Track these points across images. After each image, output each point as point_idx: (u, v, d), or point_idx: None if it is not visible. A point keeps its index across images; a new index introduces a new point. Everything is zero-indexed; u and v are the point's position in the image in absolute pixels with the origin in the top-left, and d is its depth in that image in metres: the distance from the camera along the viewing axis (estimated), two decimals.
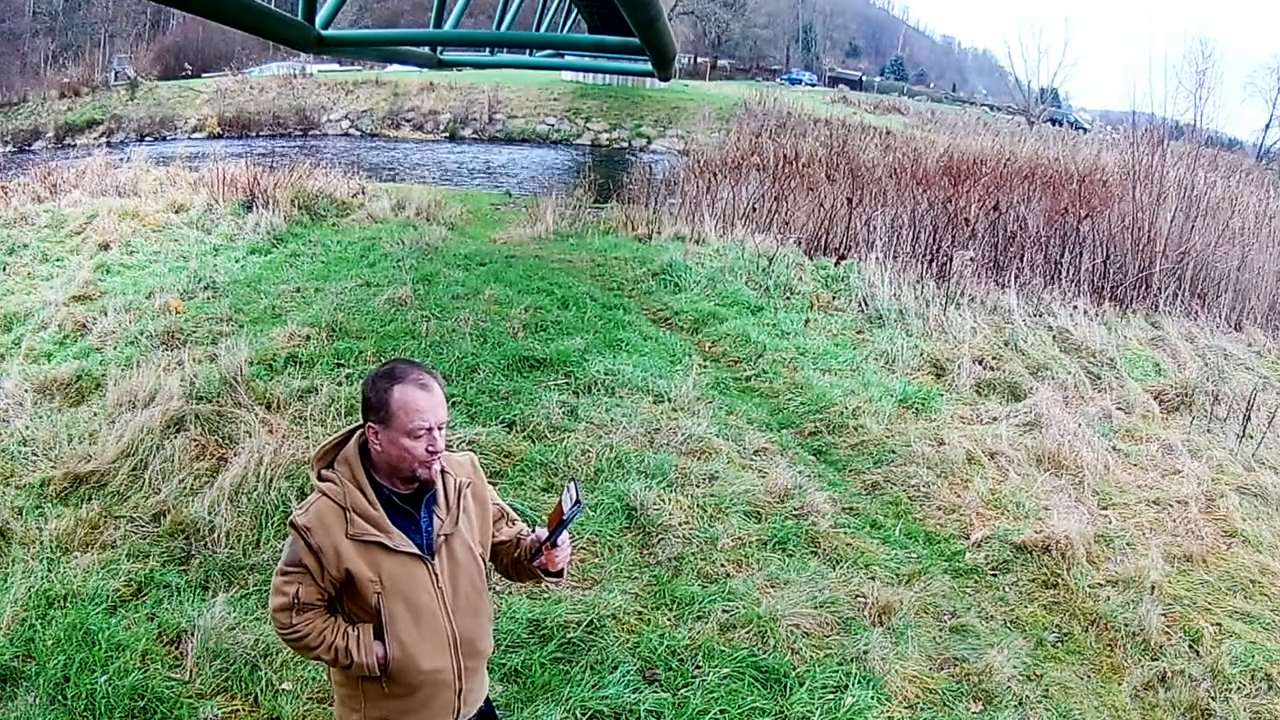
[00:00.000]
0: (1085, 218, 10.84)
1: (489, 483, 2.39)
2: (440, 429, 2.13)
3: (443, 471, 2.20)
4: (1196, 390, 7.42)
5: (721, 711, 3.52)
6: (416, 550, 2.15)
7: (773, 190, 13.92)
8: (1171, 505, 5.50)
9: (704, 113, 34.10)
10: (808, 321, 8.60)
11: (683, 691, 3.62)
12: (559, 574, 2.33)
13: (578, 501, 2.19)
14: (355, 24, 44.09)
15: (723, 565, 4.56)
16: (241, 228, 11.68)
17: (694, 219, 12.51)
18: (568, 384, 6.50)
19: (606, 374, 6.61)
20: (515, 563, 2.37)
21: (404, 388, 2.10)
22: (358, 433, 2.19)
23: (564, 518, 2.20)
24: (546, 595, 4.18)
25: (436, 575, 2.17)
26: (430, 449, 2.11)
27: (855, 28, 74.24)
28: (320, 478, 2.17)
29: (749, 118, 31.57)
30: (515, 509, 2.53)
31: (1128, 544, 5.02)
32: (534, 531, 2.35)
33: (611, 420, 5.96)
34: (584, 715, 3.47)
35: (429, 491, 2.18)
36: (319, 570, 2.11)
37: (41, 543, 4.46)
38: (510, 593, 4.12)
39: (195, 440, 5.35)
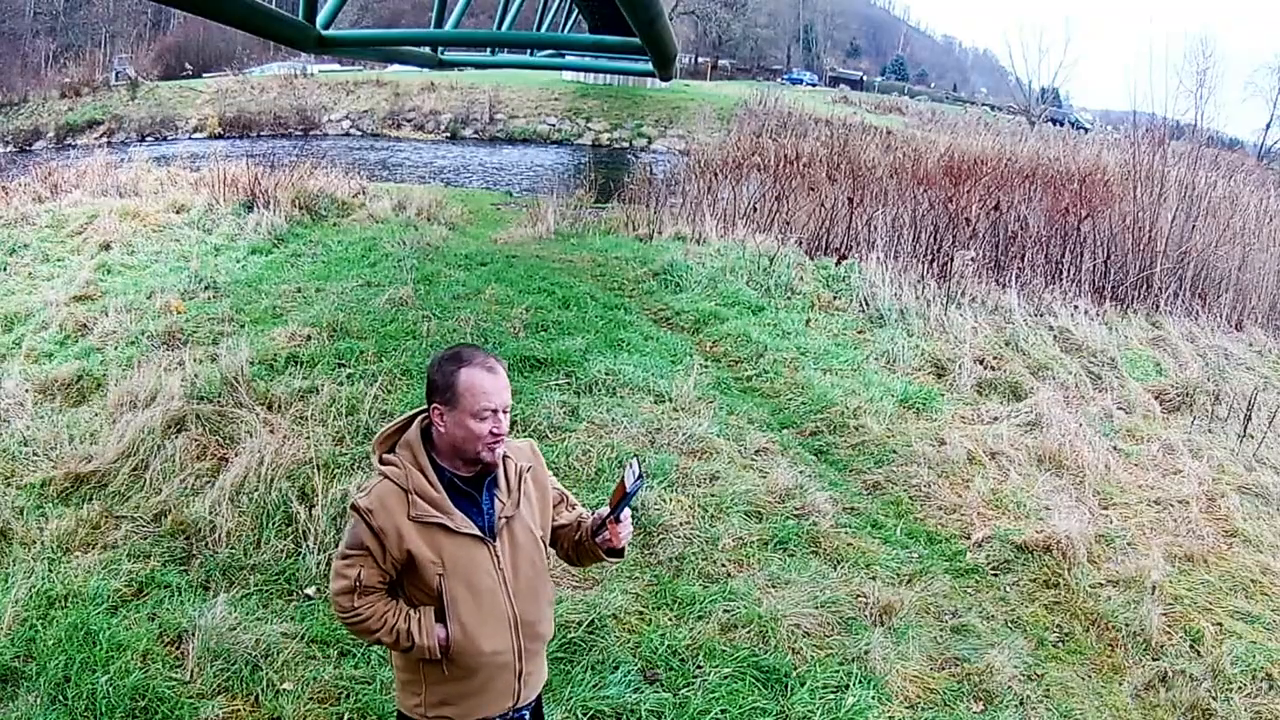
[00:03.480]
0: (1086, 217, 10.83)
1: None
2: (505, 412, 2.17)
3: (504, 456, 2.24)
4: (1197, 390, 7.41)
5: (722, 711, 3.52)
6: (478, 532, 2.18)
7: (773, 190, 13.89)
8: (1172, 505, 5.50)
9: (705, 113, 34.07)
10: (809, 321, 8.60)
11: (684, 691, 3.62)
12: (620, 552, 2.35)
13: (640, 476, 2.22)
14: (356, 24, 44.12)
15: (724, 565, 4.56)
16: (242, 228, 11.68)
17: (695, 219, 12.50)
18: (569, 384, 6.50)
19: (607, 374, 6.61)
20: (576, 545, 2.40)
21: (471, 370, 2.15)
22: (419, 417, 2.23)
23: (628, 492, 2.23)
24: None
25: (497, 557, 2.20)
26: (495, 431, 2.15)
27: (856, 28, 74.25)
28: (382, 461, 2.21)
29: (750, 118, 31.52)
30: None
31: (1129, 544, 5.02)
32: (594, 514, 2.38)
33: (612, 420, 5.96)
34: (585, 715, 3.47)
35: (490, 474, 2.22)
36: (380, 552, 2.14)
37: (42, 543, 4.46)
38: None
39: (196, 440, 5.35)
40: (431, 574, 2.14)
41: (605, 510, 2.31)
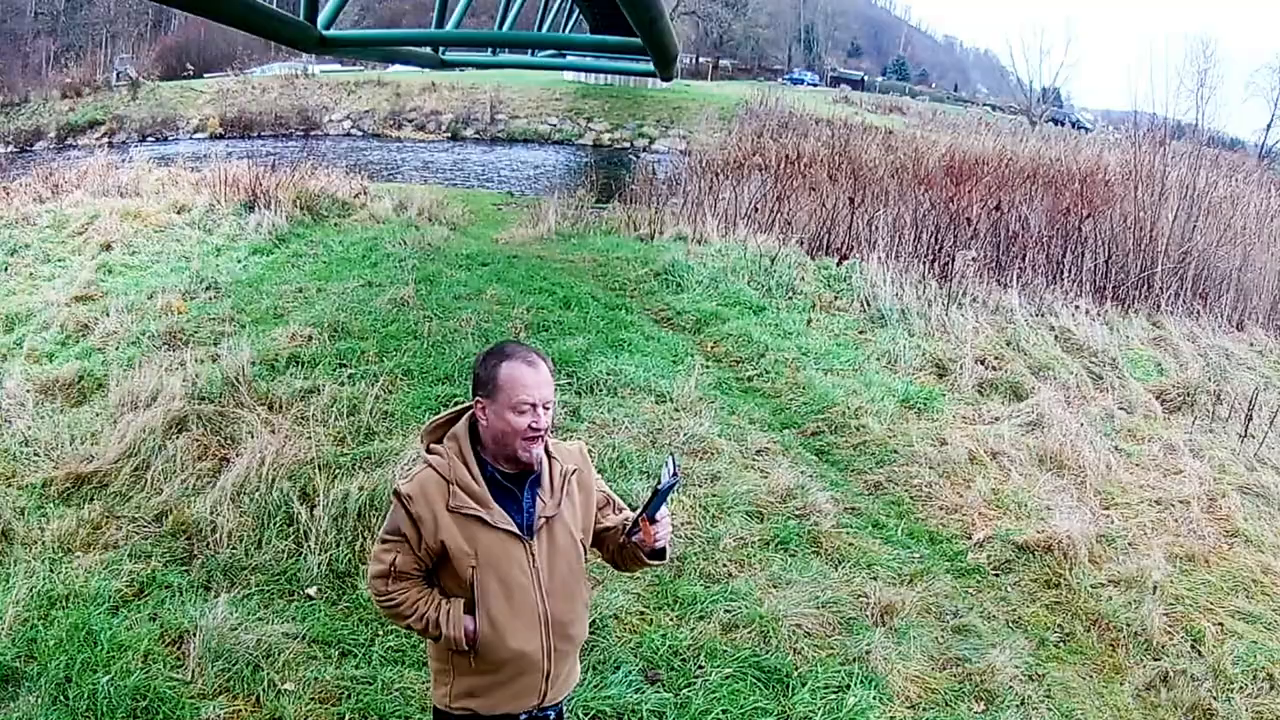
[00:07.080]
0: (1087, 217, 10.82)
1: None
2: (545, 408, 2.17)
3: (550, 456, 2.24)
4: (1198, 390, 7.41)
5: (724, 711, 3.52)
6: (515, 529, 2.19)
7: (775, 190, 13.89)
8: (1173, 505, 5.50)
9: (706, 113, 34.06)
10: (810, 321, 8.59)
11: (685, 691, 3.63)
12: (660, 554, 2.33)
13: (675, 474, 2.20)
14: (357, 24, 44.09)
15: (725, 565, 4.56)
16: (243, 228, 11.68)
17: (696, 219, 12.49)
18: (570, 384, 6.49)
19: (609, 374, 6.61)
20: (620, 549, 2.39)
21: (512, 364, 2.17)
22: (468, 412, 2.24)
23: (659, 489, 2.21)
24: None
25: (533, 556, 2.20)
26: (533, 425, 2.15)
27: (857, 28, 74.28)
28: (429, 450, 2.23)
29: (751, 118, 31.51)
30: None
31: (1130, 544, 5.02)
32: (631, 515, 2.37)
33: (614, 420, 5.96)
34: (586, 715, 3.47)
35: (534, 473, 2.22)
36: (417, 539, 2.17)
37: (43, 543, 4.46)
38: None
39: (197, 440, 5.35)
40: (464, 566, 2.16)
41: (640, 510, 2.30)
